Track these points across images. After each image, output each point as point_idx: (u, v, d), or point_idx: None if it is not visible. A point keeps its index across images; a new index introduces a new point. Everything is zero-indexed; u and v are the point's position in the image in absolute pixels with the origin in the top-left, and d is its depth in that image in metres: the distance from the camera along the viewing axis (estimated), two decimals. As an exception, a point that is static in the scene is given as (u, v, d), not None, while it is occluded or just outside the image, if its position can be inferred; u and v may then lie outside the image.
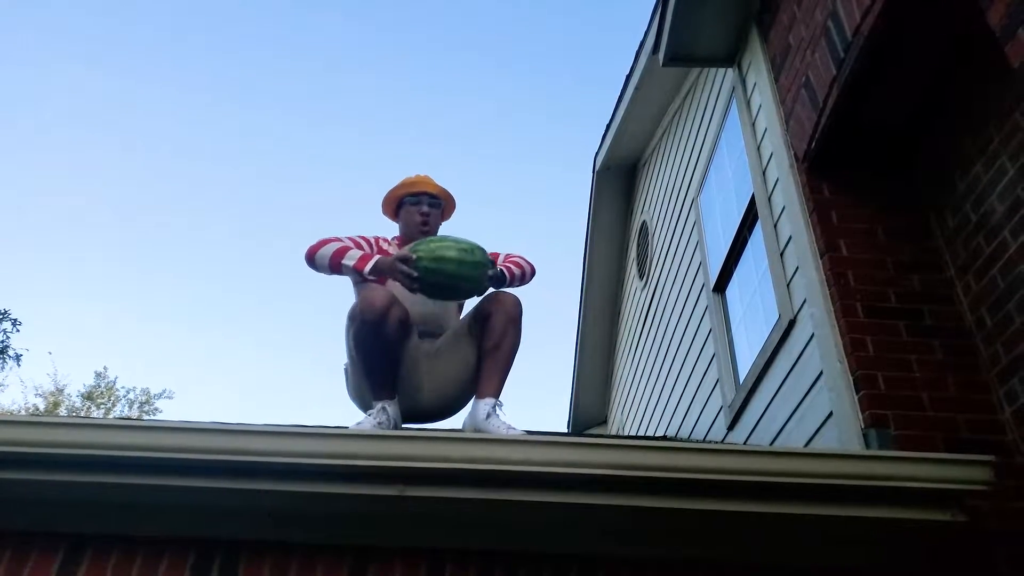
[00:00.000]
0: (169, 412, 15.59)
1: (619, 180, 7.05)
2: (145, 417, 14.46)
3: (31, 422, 2.17)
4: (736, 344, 4.01)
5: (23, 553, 2.09)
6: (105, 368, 13.53)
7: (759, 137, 3.69)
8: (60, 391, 14.01)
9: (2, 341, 11.86)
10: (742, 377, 3.80)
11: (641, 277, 6.47)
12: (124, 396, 15.23)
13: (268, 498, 2.09)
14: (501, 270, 2.65)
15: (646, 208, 6.48)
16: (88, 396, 13.96)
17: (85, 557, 2.09)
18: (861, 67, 2.67)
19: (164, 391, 15.57)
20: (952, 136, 2.86)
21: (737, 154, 3.98)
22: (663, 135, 5.87)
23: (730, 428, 3.85)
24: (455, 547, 2.15)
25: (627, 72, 5.58)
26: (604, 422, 7.89)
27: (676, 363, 5.09)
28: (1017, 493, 2.35)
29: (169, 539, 2.13)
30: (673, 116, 5.57)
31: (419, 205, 2.92)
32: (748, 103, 3.86)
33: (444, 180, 3.12)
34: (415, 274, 2.46)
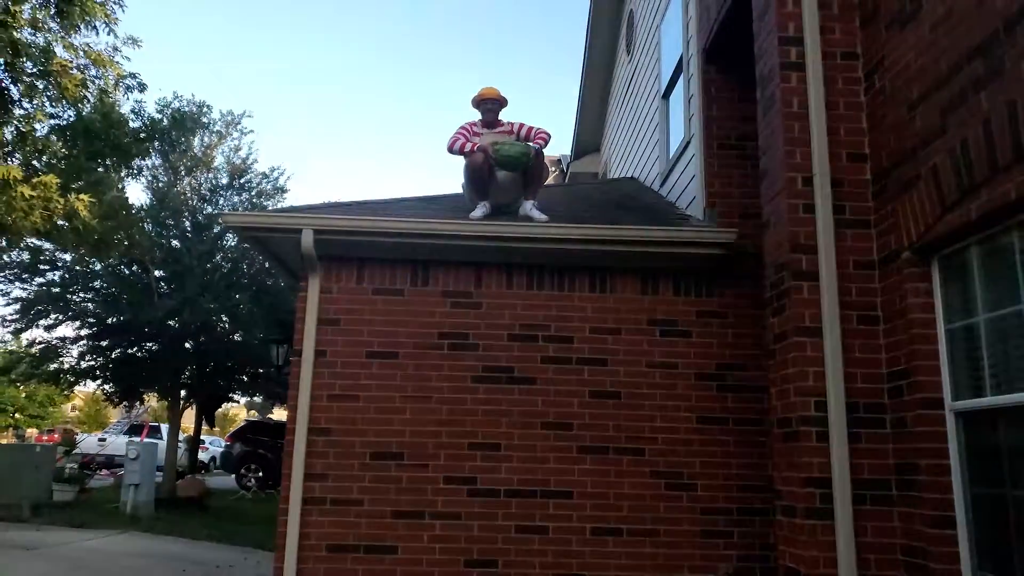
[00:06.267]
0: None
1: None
2: (236, 136, 16.07)
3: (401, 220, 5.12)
4: (671, 137, 6.71)
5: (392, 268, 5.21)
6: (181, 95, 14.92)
7: (688, 17, 6.00)
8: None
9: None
10: (670, 155, 6.57)
11: (628, 53, 8.80)
12: (220, 119, 16.35)
13: (442, 239, 5.09)
14: (537, 147, 5.36)
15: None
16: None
17: (423, 270, 5.20)
18: (737, 5, 5.02)
19: (244, 111, 17.51)
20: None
21: (679, 18, 6.26)
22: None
23: (661, 185, 6.74)
24: (518, 261, 5.22)
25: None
26: (598, 150, 10.71)
27: (641, 130, 7.79)
28: (754, 247, 5.29)
29: (431, 261, 5.20)
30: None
31: (484, 106, 5.67)
32: (687, -13, 6.06)
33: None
34: (492, 160, 5.28)
